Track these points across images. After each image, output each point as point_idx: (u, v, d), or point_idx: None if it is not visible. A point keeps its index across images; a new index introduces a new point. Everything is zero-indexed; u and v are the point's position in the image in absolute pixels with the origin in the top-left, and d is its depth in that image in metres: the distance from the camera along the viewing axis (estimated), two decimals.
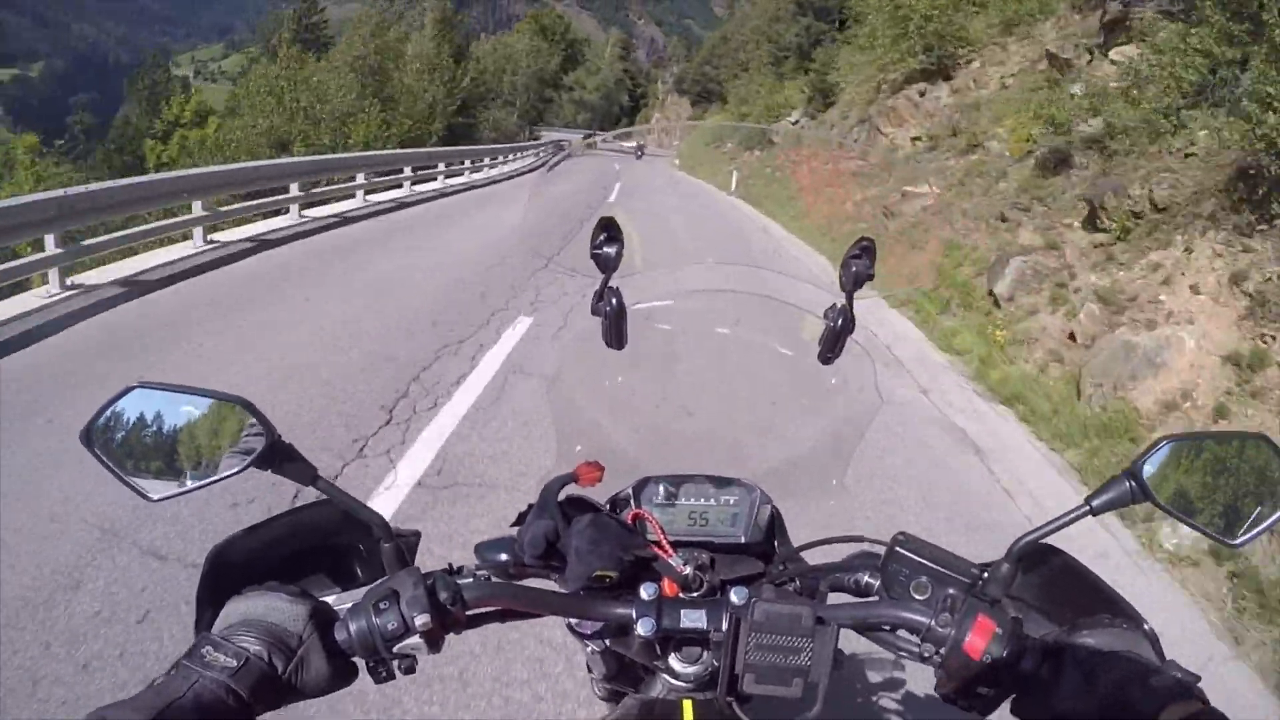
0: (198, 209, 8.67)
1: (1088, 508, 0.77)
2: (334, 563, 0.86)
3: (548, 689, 2.55)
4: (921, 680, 0.79)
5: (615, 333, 0.93)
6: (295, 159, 14.75)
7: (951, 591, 0.79)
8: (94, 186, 7.43)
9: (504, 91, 49.34)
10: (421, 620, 0.73)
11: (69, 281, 6.75)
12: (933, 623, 0.76)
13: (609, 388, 1.05)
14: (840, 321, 0.93)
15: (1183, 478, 0.79)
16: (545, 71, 56.96)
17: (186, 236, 8.81)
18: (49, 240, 6.46)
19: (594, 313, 0.93)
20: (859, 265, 0.91)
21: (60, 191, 6.81)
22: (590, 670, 0.97)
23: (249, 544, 0.82)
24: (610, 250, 0.90)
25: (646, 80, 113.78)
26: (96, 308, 6.29)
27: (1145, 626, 0.78)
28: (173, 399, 0.78)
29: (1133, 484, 0.76)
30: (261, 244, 9.36)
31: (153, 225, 8.39)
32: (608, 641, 0.87)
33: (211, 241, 8.90)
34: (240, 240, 9.41)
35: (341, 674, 0.75)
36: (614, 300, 0.92)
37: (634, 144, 56.07)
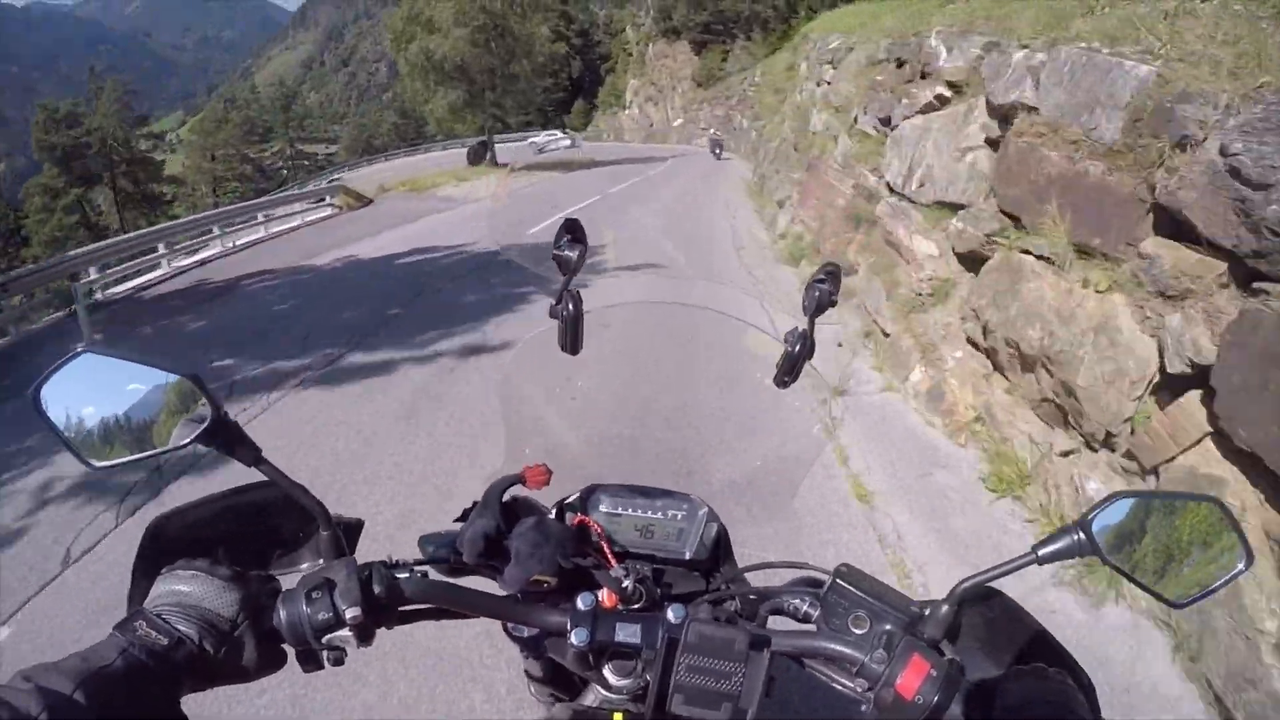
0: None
1: (1034, 556, 0.75)
2: (274, 543, 0.86)
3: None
4: (854, 714, 0.78)
5: (571, 337, 0.92)
6: None
7: (889, 628, 0.78)
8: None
9: None
10: (352, 613, 0.72)
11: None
12: (867, 659, 0.75)
13: (562, 392, 1.04)
14: (799, 346, 0.92)
15: (1131, 534, 0.77)
16: None
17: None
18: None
19: (551, 315, 0.92)
20: (822, 290, 0.89)
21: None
22: (527, 673, 0.96)
23: (190, 518, 0.82)
24: (572, 253, 0.89)
25: (609, 34, 70.92)
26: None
27: (1083, 678, 0.77)
28: (121, 367, 0.77)
29: (1080, 536, 0.75)
30: None
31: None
32: (544, 647, 0.86)
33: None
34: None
35: (270, 660, 0.75)
36: (571, 305, 0.90)
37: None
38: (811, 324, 0.92)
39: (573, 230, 0.90)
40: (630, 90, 58.44)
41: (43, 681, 0.59)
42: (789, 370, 0.94)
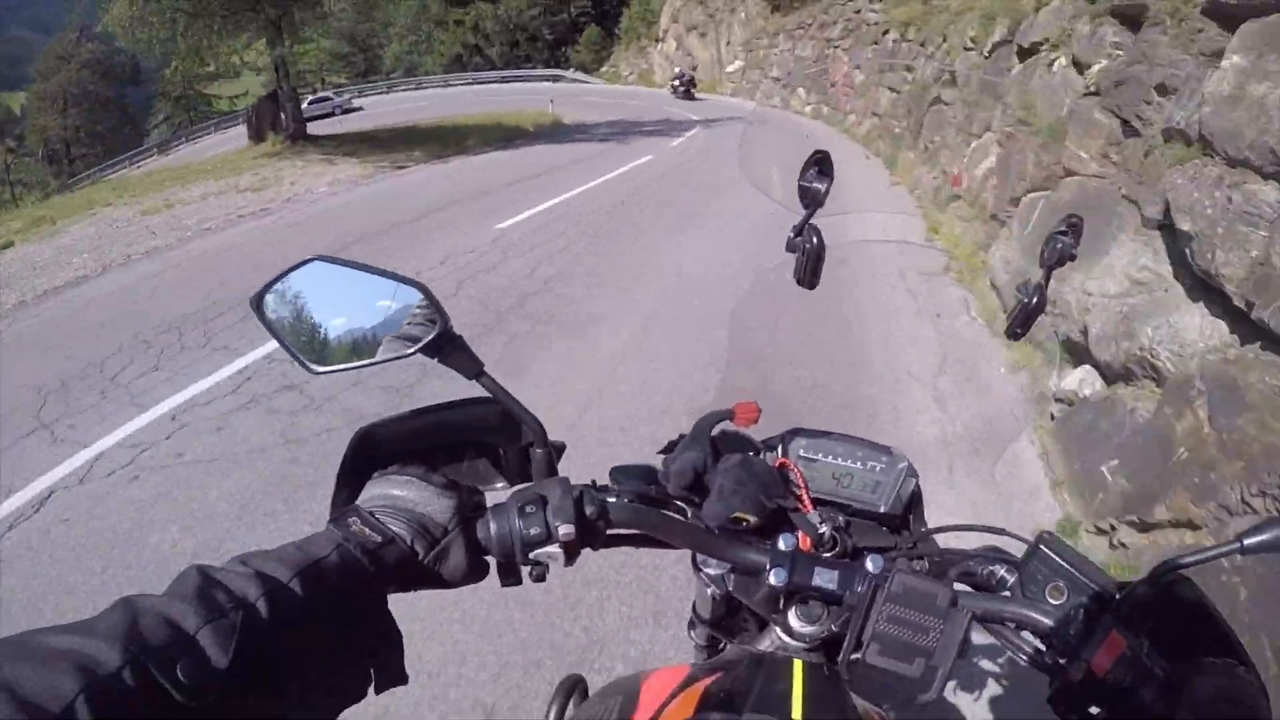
0: None
1: (1239, 545, 0.72)
2: (475, 460, 0.86)
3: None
4: (1030, 687, 0.77)
5: (810, 272, 0.90)
6: None
7: (1087, 601, 0.76)
8: None
9: None
10: (565, 530, 0.73)
11: None
12: (1064, 630, 0.74)
13: (790, 325, 1.03)
14: (1035, 299, 0.89)
15: None
16: None
17: None
18: None
19: (789, 248, 0.90)
20: (1064, 242, 0.86)
21: None
22: (694, 610, 0.96)
23: (397, 429, 0.82)
24: (819, 186, 0.87)
25: None
26: None
27: (1259, 680, 0.75)
28: (349, 275, 0.77)
29: None
30: None
31: None
32: (730, 585, 0.86)
33: None
34: None
35: (473, 570, 0.76)
36: (814, 238, 0.88)
37: None
38: (1047, 276, 0.89)
39: (821, 164, 0.89)
40: (667, 15, 37.33)
41: (260, 567, 0.60)
42: (1023, 322, 0.92)
